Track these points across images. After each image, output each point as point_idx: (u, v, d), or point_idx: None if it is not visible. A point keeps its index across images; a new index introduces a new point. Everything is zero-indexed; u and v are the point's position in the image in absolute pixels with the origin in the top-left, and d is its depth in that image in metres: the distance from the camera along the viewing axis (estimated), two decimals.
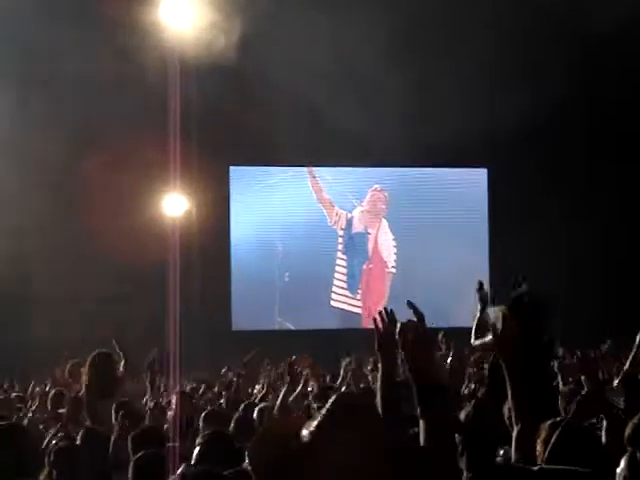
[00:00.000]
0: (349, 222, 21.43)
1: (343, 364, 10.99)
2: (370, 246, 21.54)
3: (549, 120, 20.02)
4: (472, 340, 7.04)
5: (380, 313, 4.08)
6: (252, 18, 16.95)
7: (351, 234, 21.44)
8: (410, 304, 3.29)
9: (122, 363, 8.73)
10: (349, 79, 18.89)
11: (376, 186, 21.59)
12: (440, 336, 13.05)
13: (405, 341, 3.23)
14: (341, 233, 21.45)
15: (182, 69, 15.59)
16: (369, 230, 21.55)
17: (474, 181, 21.98)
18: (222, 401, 9.66)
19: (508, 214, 20.77)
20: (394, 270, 21.54)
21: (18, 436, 4.77)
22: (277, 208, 21.17)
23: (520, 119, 19.17)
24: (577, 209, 20.38)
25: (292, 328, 20.86)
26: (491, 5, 18.52)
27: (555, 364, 7.55)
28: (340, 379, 10.60)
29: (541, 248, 20.16)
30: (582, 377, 5.18)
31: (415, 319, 3.30)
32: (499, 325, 4.17)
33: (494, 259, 21.49)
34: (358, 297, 21.40)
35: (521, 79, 19.36)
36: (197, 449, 4.94)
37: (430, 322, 3.28)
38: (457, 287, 21.20)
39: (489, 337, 5.72)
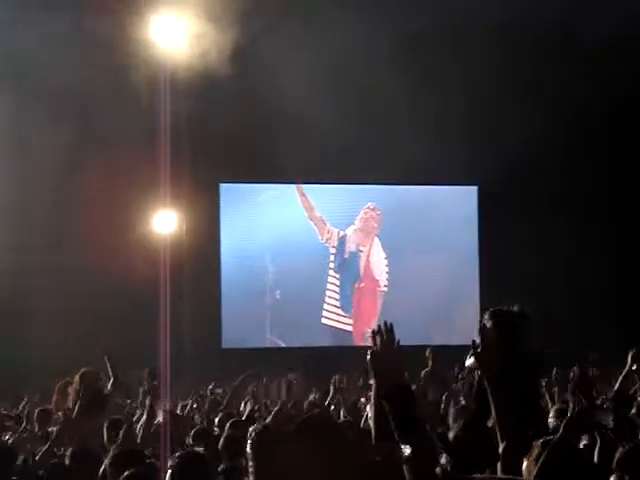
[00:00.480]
0: (341, 240, 21.39)
1: (332, 381, 10.97)
2: (362, 264, 21.50)
3: (540, 138, 20.07)
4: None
5: (379, 329, 4.08)
6: (243, 34, 16.97)
7: (343, 252, 21.40)
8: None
9: (111, 381, 8.70)
10: (341, 96, 18.88)
11: (369, 204, 21.55)
12: (427, 352, 13.06)
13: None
14: (333, 251, 21.40)
15: (173, 85, 15.60)
16: (361, 248, 21.50)
17: (464, 199, 21.98)
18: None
19: (498, 232, 20.78)
20: (385, 289, 21.51)
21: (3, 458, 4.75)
22: (268, 225, 21.13)
23: (512, 137, 19.25)
24: (569, 226, 20.39)
25: (283, 345, 20.82)
26: (486, 25, 18.55)
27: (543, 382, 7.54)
28: (329, 397, 10.57)
29: (532, 266, 20.17)
30: (571, 394, 5.17)
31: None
32: (478, 337, 4.16)
33: (485, 277, 21.49)
34: (349, 315, 21.35)
35: (514, 98, 19.39)
36: (169, 471, 4.86)
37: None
38: (448, 305, 21.25)
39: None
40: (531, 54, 19.78)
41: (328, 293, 21.28)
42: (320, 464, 2.54)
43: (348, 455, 2.63)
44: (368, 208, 21.51)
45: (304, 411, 8.88)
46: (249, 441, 2.59)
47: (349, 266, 21.40)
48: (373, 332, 4.03)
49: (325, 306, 21.22)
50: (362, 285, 21.49)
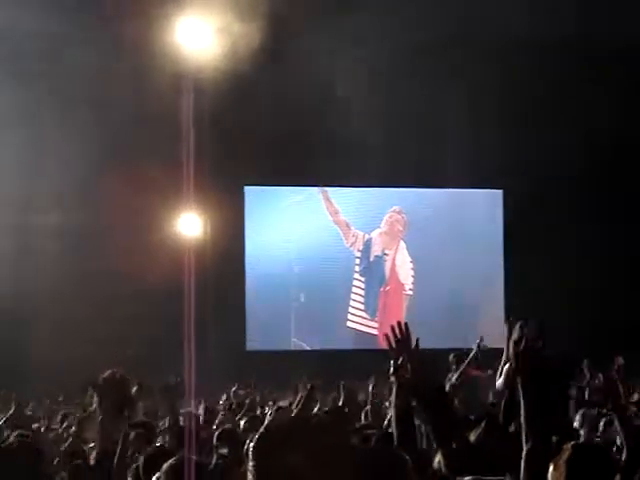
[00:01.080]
0: (367, 244, 21.32)
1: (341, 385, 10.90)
2: (387, 268, 21.43)
3: (567, 144, 20.02)
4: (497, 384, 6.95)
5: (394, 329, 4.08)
6: (270, 36, 16.98)
7: (368, 256, 21.33)
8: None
9: (135, 387, 8.70)
10: (366, 99, 18.86)
11: (395, 207, 21.49)
12: (451, 357, 12.98)
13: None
14: (358, 255, 21.36)
15: (197, 88, 15.64)
16: (386, 252, 21.43)
17: (490, 202, 21.91)
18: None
19: (523, 236, 20.70)
20: (411, 292, 21.45)
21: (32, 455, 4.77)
22: (292, 228, 21.14)
23: (538, 141, 19.21)
24: (596, 230, 20.30)
25: (307, 348, 20.81)
26: (517, 33, 18.49)
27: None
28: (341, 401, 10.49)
29: (557, 269, 20.10)
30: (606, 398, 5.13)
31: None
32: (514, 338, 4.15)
33: (510, 280, 21.41)
34: (375, 319, 21.27)
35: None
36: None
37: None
38: (473, 309, 21.18)
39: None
40: (557, 66, 19.71)
41: (353, 296, 21.25)
42: (313, 467, 2.55)
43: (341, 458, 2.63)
44: (394, 211, 21.44)
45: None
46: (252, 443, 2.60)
47: (374, 270, 21.36)
48: (386, 335, 4.05)
49: (350, 309, 21.19)
50: (388, 288, 21.44)
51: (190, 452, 5.82)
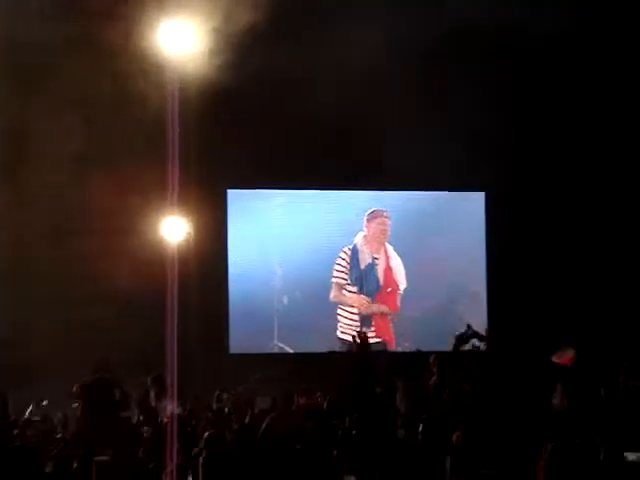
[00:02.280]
0: (353, 251, 21.04)
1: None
2: (380, 275, 21.18)
3: (549, 142, 20.09)
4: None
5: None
6: (254, 40, 16.98)
7: (358, 264, 21.03)
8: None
9: (118, 392, 8.70)
10: (351, 101, 18.90)
11: (378, 209, 21.22)
12: (432, 359, 12.90)
13: None
14: (344, 264, 21.03)
15: (180, 92, 15.61)
16: (375, 256, 21.16)
17: (471, 205, 21.91)
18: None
19: (505, 237, 20.73)
20: (402, 293, 21.27)
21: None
22: (276, 231, 21.10)
23: (520, 142, 19.26)
24: (578, 230, 20.37)
25: (290, 351, 20.78)
26: (489, 31, 18.55)
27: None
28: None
29: (540, 271, 20.15)
30: None
31: None
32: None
33: (492, 281, 21.43)
34: (372, 325, 21.01)
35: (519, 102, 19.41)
36: None
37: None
38: (455, 311, 21.18)
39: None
40: (533, 60, 19.78)
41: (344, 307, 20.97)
42: None
43: None
44: (381, 215, 21.07)
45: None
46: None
47: (367, 278, 21.07)
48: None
49: (341, 319, 20.88)
50: (382, 293, 21.20)
51: (171, 454, 5.82)
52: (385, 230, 21.20)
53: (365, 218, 21.17)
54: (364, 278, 21.07)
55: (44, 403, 14.31)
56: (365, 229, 21.17)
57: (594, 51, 19.71)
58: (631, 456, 7.26)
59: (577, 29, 18.82)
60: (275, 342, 20.85)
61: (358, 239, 21.05)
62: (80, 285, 18.59)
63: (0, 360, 17.46)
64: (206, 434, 7.58)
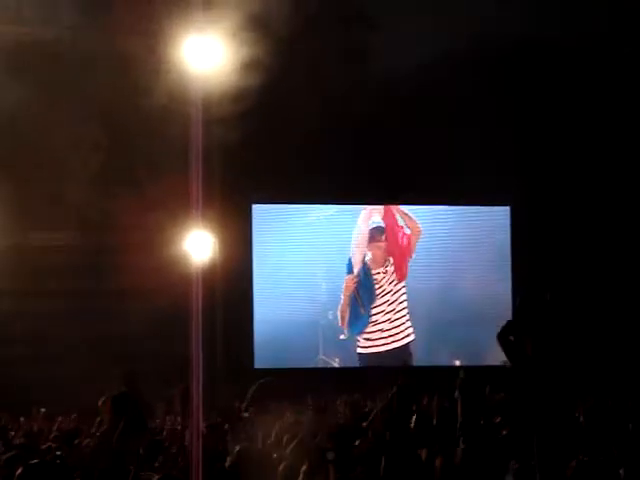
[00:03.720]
0: (366, 264, 21.12)
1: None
2: (392, 287, 21.22)
3: (574, 157, 20.02)
4: None
5: None
6: (277, 54, 17.03)
7: (368, 275, 21.10)
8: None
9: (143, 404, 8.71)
10: (375, 115, 18.92)
11: (401, 225, 21.27)
12: (461, 373, 12.81)
13: None
14: (356, 272, 21.16)
15: (204, 107, 15.64)
16: (388, 268, 21.20)
17: (497, 220, 21.85)
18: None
19: (531, 251, 20.65)
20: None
21: None
22: (300, 247, 21.10)
23: (545, 157, 19.20)
24: (602, 244, 20.27)
25: (314, 366, 20.75)
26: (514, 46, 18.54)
27: None
28: None
29: (566, 285, 20.05)
30: None
31: None
32: None
33: (517, 297, 21.31)
34: (386, 335, 21.08)
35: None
36: None
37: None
38: (480, 325, 21.09)
39: None
40: (559, 74, 19.75)
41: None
42: None
43: None
44: (374, 240, 21.20)
45: None
46: None
47: (374, 288, 21.14)
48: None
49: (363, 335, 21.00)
50: (393, 306, 21.25)
51: (198, 473, 5.81)
52: (379, 249, 21.19)
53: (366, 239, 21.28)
54: (370, 289, 21.19)
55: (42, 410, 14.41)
56: (384, 243, 21.23)
57: (621, 66, 19.64)
58: None
59: (604, 44, 18.78)
60: (319, 356, 20.88)
61: (378, 251, 21.16)
62: (106, 300, 18.66)
63: (25, 373, 17.57)
64: (237, 447, 7.56)
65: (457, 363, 19.88)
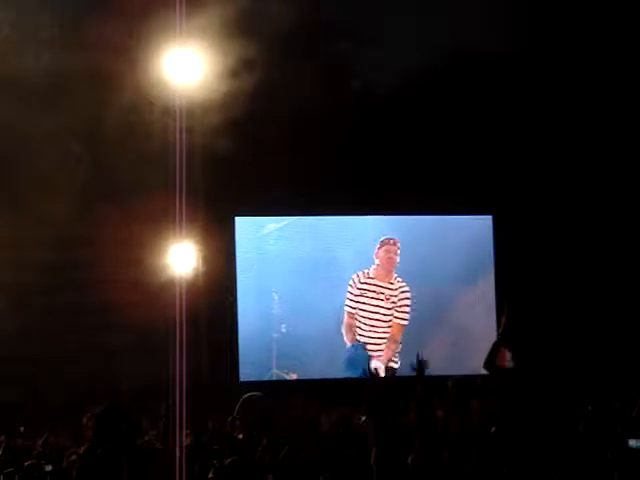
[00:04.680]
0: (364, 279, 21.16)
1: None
2: (386, 302, 21.23)
3: (556, 166, 20.09)
4: None
5: None
6: (257, 67, 17.05)
7: (363, 289, 21.13)
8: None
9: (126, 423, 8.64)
10: (356, 125, 18.96)
11: (389, 239, 21.26)
12: (450, 383, 12.81)
13: None
14: (357, 292, 21.18)
15: (187, 119, 15.65)
16: (381, 284, 21.21)
17: (479, 228, 21.86)
18: None
19: (514, 260, 20.69)
20: (406, 322, 21.29)
21: None
22: (284, 258, 21.07)
23: (527, 165, 19.25)
24: (587, 252, 20.32)
25: (300, 378, 20.70)
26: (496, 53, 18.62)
27: None
28: None
29: (549, 295, 20.08)
30: None
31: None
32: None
33: (501, 304, 21.33)
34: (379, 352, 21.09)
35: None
36: None
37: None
38: (464, 337, 21.10)
39: None
40: (540, 82, 19.84)
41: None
42: None
43: None
44: (389, 243, 21.17)
45: None
46: None
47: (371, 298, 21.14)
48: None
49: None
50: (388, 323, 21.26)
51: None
52: (392, 258, 21.20)
53: (376, 247, 21.23)
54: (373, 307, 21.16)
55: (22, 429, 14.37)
56: (375, 258, 21.20)
57: (601, 69, 19.73)
58: (634, 443, 7.25)
59: (584, 51, 18.89)
60: (284, 370, 20.81)
61: (371, 271, 21.14)
62: (90, 314, 18.60)
63: (5, 390, 17.49)
64: (228, 461, 7.53)
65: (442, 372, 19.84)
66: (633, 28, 19.16)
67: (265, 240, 21.20)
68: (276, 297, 20.93)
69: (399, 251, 21.22)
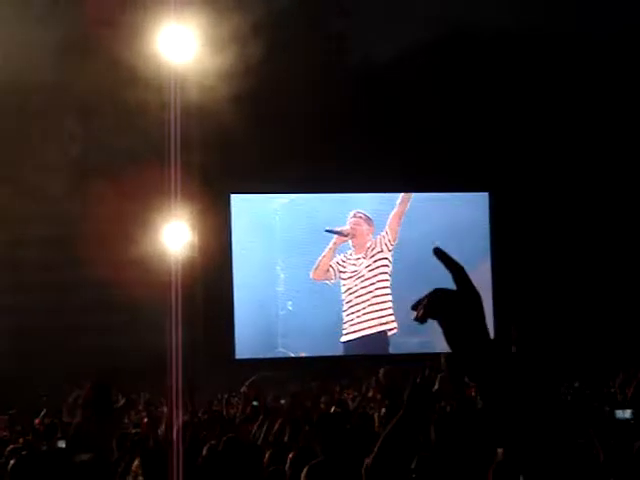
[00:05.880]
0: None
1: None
2: (376, 271, 21.31)
3: (554, 142, 20.06)
4: None
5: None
6: (254, 46, 16.99)
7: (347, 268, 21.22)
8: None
9: (121, 398, 8.65)
10: (348, 103, 18.91)
11: (353, 211, 21.34)
12: (442, 360, 12.91)
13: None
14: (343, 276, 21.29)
15: (183, 97, 15.59)
16: (358, 256, 21.33)
17: (476, 205, 21.84)
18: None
19: (510, 237, 20.68)
20: (389, 297, 21.36)
21: None
22: (278, 235, 21.07)
23: (525, 142, 19.23)
24: (582, 231, 20.32)
25: (294, 355, 20.74)
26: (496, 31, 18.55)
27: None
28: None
29: (544, 272, 20.09)
30: None
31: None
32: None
33: (497, 282, 21.34)
34: (364, 324, 21.16)
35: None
36: None
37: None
38: None
39: None
40: (537, 60, 19.79)
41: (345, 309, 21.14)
42: None
43: None
44: (354, 216, 21.28)
45: None
46: None
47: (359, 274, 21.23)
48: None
49: (344, 324, 21.09)
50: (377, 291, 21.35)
51: (178, 462, 5.78)
52: (365, 227, 21.25)
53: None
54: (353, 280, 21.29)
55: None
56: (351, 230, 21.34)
57: (601, 52, 19.69)
58: (621, 414, 7.26)
59: (586, 33, 18.84)
60: (280, 347, 20.84)
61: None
62: (84, 291, 18.60)
63: (4, 368, 17.50)
64: (223, 439, 7.51)
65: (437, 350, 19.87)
66: (633, 10, 19.09)
67: (263, 217, 21.18)
68: (281, 275, 20.96)
69: (365, 221, 21.25)
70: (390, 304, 21.31)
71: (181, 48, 16.68)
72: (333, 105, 18.83)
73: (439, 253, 2.13)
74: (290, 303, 20.98)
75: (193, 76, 16.51)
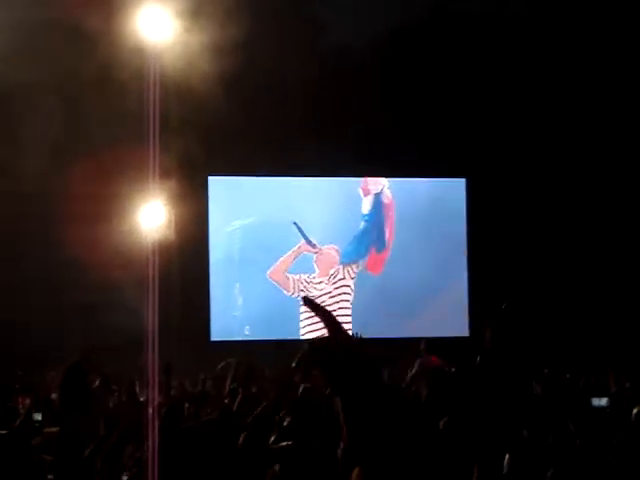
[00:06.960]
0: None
1: None
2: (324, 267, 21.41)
3: (531, 127, 20.10)
4: None
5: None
6: (234, 26, 16.93)
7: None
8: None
9: (99, 379, 8.66)
10: (328, 87, 18.90)
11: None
12: (422, 344, 13.12)
13: None
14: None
15: (161, 77, 15.53)
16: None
17: (452, 192, 21.86)
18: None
19: (487, 225, 20.73)
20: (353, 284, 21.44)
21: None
22: (257, 218, 21.06)
23: (502, 127, 19.26)
24: (560, 218, 20.38)
25: (268, 339, 20.73)
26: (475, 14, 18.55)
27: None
28: None
29: (521, 260, 20.17)
30: None
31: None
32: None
33: (473, 270, 21.42)
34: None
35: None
36: None
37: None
38: (435, 299, 21.19)
39: None
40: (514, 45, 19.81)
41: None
42: None
43: None
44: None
45: None
46: None
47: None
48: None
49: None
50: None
51: (153, 442, 5.80)
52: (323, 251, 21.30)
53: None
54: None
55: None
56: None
57: (581, 37, 19.70)
58: (597, 401, 7.36)
59: (567, 18, 18.87)
60: (252, 329, 20.85)
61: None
62: (63, 271, 18.53)
63: None
64: (202, 419, 7.53)
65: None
66: None
67: (241, 199, 21.16)
68: (260, 259, 20.95)
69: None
70: (350, 332, 21.15)
71: (160, 28, 16.62)
72: (312, 87, 18.79)
73: (308, 302, 2.17)
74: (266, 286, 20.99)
75: (173, 56, 16.45)
